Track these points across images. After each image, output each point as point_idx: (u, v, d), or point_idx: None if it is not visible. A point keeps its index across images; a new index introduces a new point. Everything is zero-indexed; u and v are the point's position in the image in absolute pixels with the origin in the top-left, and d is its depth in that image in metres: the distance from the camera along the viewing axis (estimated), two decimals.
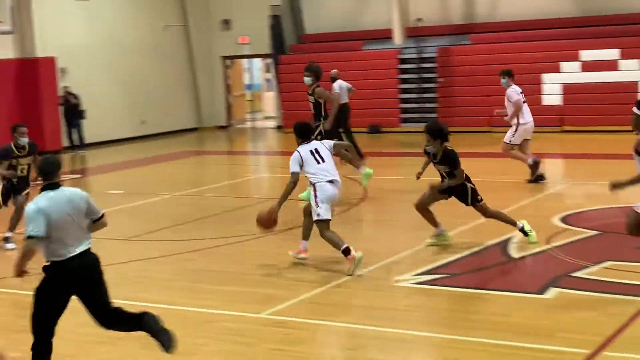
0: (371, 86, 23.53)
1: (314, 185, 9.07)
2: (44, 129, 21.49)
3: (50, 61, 21.74)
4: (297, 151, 9.21)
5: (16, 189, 11.27)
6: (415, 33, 23.57)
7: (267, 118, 29.84)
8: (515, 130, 14.18)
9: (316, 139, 12.68)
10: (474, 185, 9.68)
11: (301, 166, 9.10)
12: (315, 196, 8.98)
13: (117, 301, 8.09)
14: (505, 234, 10.00)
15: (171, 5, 26.35)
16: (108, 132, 23.73)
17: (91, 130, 22.57)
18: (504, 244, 9.72)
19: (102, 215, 6.32)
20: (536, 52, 22.16)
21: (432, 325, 7.22)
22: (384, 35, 24.18)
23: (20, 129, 11.31)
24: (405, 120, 23.59)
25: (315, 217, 9.01)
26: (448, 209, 10.20)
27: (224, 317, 7.62)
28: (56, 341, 7.03)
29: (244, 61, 29.09)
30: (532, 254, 9.30)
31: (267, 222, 9.16)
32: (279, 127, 25.88)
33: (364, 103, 23.67)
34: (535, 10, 22.92)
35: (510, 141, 14.26)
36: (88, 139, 22.46)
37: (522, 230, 9.64)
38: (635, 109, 7.70)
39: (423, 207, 9.88)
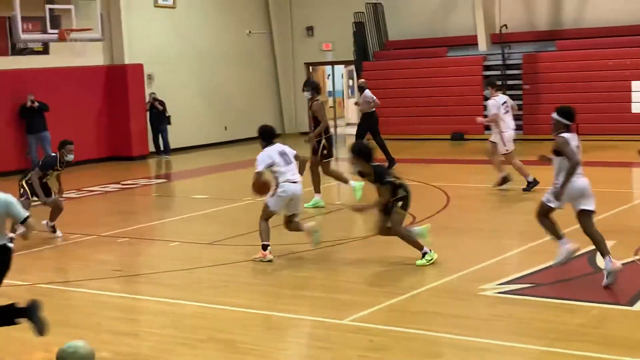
0: (455, 93, 23.37)
1: (278, 183, 10.02)
2: (131, 134, 21.97)
3: (137, 68, 22.21)
4: (266, 152, 10.13)
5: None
6: (500, 39, 23.30)
7: (349, 124, 29.86)
8: (501, 139, 14.48)
9: (320, 152, 13.15)
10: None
11: (270, 166, 10.00)
12: (276, 191, 10.00)
13: (202, 304, 8.25)
14: (591, 244, 9.77)
15: (255, 13, 26.64)
16: (192, 138, 24.10)
17: (175, 135, 22.96)
18: (591, 255, 9.49)
19: (27, 218, 6.92)
20: (624, 59, 21.64)
21: (516, 335, 7.09)
22: (469, 42, 23.97)
23: (69, 147, 11.75)
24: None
25: (266, 202, 10.08)
26: (533, 218, 10.01)
27: (306, 322, 7.63)
28: (137, 342, 7.17)
29: (327, 68, 29.18)
30: (621, 265, 9.05)
31: (261, 188, 10.01)
32: None
33: (447, 110, 23.52)
34: (623, 16, 22.40)
35: (507, 150, 14.50)
36: (172, 145, 22.84)
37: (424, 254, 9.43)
38: (554, 115, 8.66)
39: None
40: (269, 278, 9.46)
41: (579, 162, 8.39)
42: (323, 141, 13.92)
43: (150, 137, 22.73)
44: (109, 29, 21.24)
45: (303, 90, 14.32)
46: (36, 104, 19.39)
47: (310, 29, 26.89)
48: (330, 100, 30.11)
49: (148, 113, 22.55)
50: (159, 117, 22.57)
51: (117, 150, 22.04)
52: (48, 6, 17.64)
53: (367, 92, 18.57)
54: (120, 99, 21.90)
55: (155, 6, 23.37)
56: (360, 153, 9.53)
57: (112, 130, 21.93)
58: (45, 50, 20.34)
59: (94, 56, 21.12)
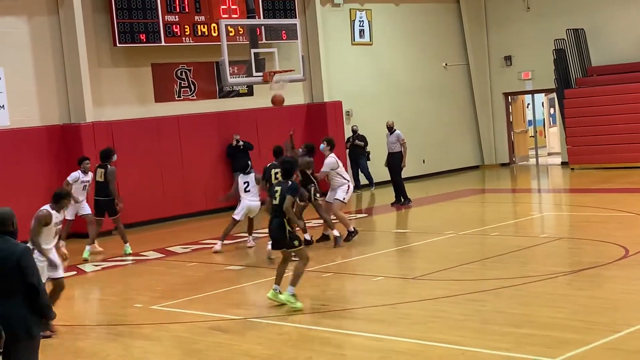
0: None
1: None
2: None
3: (336, 105, 22.69)
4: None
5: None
6: None
7: (550, 154, 29.07)
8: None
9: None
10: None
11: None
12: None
13: (411, 340, 8.23)
14: None
15: (451, 45, 26.57)
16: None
17: (375, 170, 23.15)
18: None
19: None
20: None
21: None
22: None
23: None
24: None
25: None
26: None
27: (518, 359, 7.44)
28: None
29: (526, 97, 28.61)
30: None
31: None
32: (564, 163, 25.09)
33: None
34: None
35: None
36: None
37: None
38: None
39: None
40: (476, 314, 9.31)
41: None
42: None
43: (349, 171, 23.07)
44: (309, 68, 21.87)
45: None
46: (241, 143, 20.23)
47: (508, 58, 26.49)
48: (531, 129, 29.46)
49: (348, 148, 22.95)
50: (358, 152, 22.94)
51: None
52: (253, 50, 18.39)
53: (395, 133, 19.30)
54: (321, 135, 22.38)
55: (353, 44, 23.83)
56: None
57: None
58: (249, 92, 21.24)
59: (295, 95, 21.79)
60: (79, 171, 14.93)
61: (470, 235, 14.55)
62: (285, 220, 10.03)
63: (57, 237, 9.64)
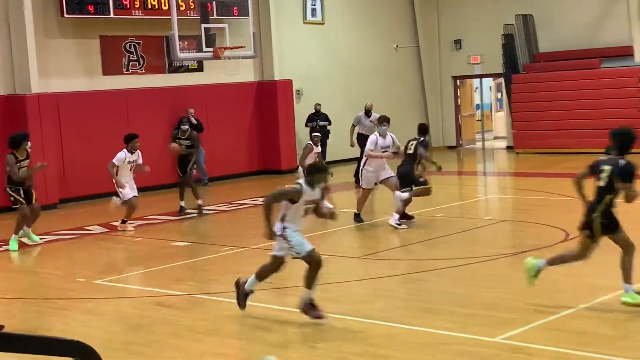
0: (609, 106, 22.62)
1: None
2: (281, 148, 22.40)
3: (287, 84, 22.65)
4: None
5: None
6: None
7: (497, 138, 29.41)
8: None
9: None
10: None
11: None
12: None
13: (355, 319, 8.30)
14: None
15: (402, 27, 26.68)
16: (339, 152, 24.29)
17: (330, 149, 23.20)
18: None
19: None
20: None
21: None
22: (624, 53, 23.15)
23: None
24: None
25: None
26: None
27: (459, 339, 7.55)
28: (288, 354, 7.26)
29: (474, 81, 28.87)
30: None
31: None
32: (509, 148, 25.43)
33: (600, 123, 22.76)
34: None
35: None
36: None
37: None
38: None
39: None
40: (420, 294, 9.41)
41: None
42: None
43: (300, 151, 23.07)
44: (260, 46, 21.78)
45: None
46: (194, 121, 20.11)
47: (458, 42, 26.69)
48: (478, 113, 29.76)
49: (309, 127, 22.93)
50: (322, 132, 22.92)
51: (267, 164, 22.53)
52: (203, 25, 18.25)
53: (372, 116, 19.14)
54: (270, 114, 22.40)
55: (305, 23, 23.80)
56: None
57: (262, 144, 22.44)
58: (199, 68, 21.09)
59: (245, 73, 21.69)
60: (125, 150, 14.42)
61: (416, 216, 14.66)
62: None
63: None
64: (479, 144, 28.08)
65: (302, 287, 8.32)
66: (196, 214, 15.82)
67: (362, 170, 14.33)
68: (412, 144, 13.90)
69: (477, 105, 29.85)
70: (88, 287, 10.47)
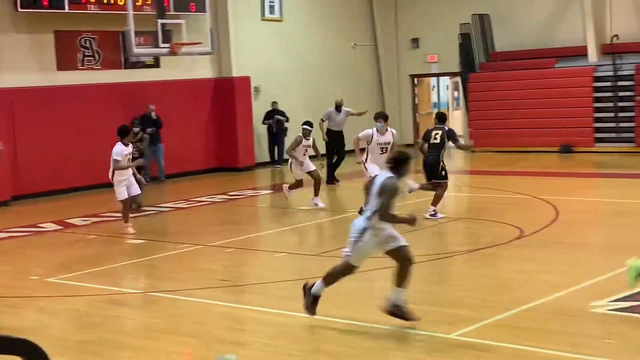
0: (564, 105, 22.92)
1: None
2: (238, 146, 22.32)
3: (244, 80, 22.57)
4: None
5: None
6: (611, 50, 22.70)
7: None
8: None
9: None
10: None
11: None
12: None
13: (307, 316, 8.27)
14: None
15: (361, 25, 26.73)
16: None
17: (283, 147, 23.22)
18: None
19: None
20: None
21: (630, 355, 6.87)
22: (578, 53, 23.45)
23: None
24: (600, 140, 22.73)
25: None
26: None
27: (413, 335, 7.57)
28: (245, 352, 7.25)
29: (432, 79, 29.03)
30: None
31: None
32: None
33: (555, 122, 23.09)
34: None
35: None
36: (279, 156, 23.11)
37: None
38: None
39: None
40: (377, 291, 9.43)
41: None
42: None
43: (257, 148, 23.04)
44: (218, 42, 21.67)
45: None
46: (155, 117, 20.01)
47: (415, 41, 26.82)
48: (435, 112, 29.90)
49: (269, 125, 22.91)
50: (280, 128, 22.95)
51: (224, 161, 22.43)
52: (160, 21, 18.10)
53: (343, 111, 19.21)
54: (228, 110, 22.31)
55: (263, 20, 23.73)
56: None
57: (219, 141, 22.34)
58: (156, 64, 20.92)
59: (203, 69, 21.58)
60: (121, 143, 13.56)
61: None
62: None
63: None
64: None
65: (258, 284, 8.29)
66: (139, 212, 15.57)
67: (365, 164, 13.91)
68: (437, 134, 13.67)
69: (435, 103, 30.02)
70: (41, 285, 10.33)
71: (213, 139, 22.32)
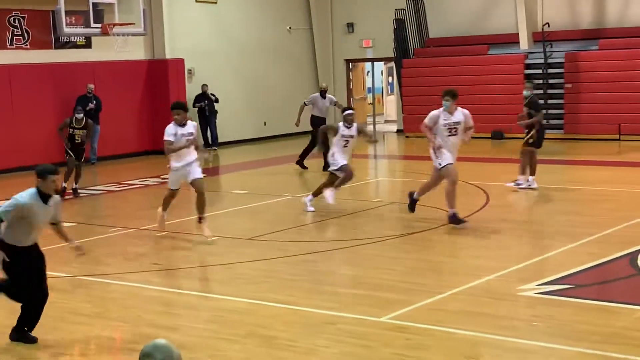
0: (496, 91, 23.22)
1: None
2: None
3: (178, 62, 22.35)
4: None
5: None
6: (542, 38, 23.08)
7: (387, 122, 29.81)
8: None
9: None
10: None
11: None
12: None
13: (242, 300, 8.28)
14: (635, 245, 9.67)
15: (296, 9, 26.66)
16: (231, 133, 24.19)
17: (217, 130, 23.09)
18: (633, 256, 9.39)
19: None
20: None
21: (557, 337, 7.03)
22: (510, 40, 23.79)
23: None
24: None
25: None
26: (574, 218, 9.94)
27: (345, 319, 7.63)
28: (177, 336, 7.21)
29: (366, 64, 29.15)
30: None
31: None
32: (399, 131, 25.81)
33: (487, 108, 23.35)
34: None
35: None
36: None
37: None
38: None
39: None
40: (308, 275, 9.47)
41: None
42: None
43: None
44: (151, 23, 21.39)
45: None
46: (93, 99, 19.76)
47: (350, 26, 26.87)
48: (370, 97, 30.07)
49: (200, 107, 22.73)
50: (211, 111, 22.80)
51: (157, 144, 22.16)
52: (91, 0, 17.79)
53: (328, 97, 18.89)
54: (161, 93, 22.06)
55: (197, 1, 23.49)
56: None
57: (152, 124, 22.08)
58: (87, 44, 20.56)
59: (135, 51, 21.29)
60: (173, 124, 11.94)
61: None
62: None
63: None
64: (370, 127, 28.37)
65: (191, 267, 8.23)
66: (74, 196, 15.38)
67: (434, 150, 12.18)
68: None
69: (369, 88, 30.17)
70: None
71: (146, 121, 22.05)
